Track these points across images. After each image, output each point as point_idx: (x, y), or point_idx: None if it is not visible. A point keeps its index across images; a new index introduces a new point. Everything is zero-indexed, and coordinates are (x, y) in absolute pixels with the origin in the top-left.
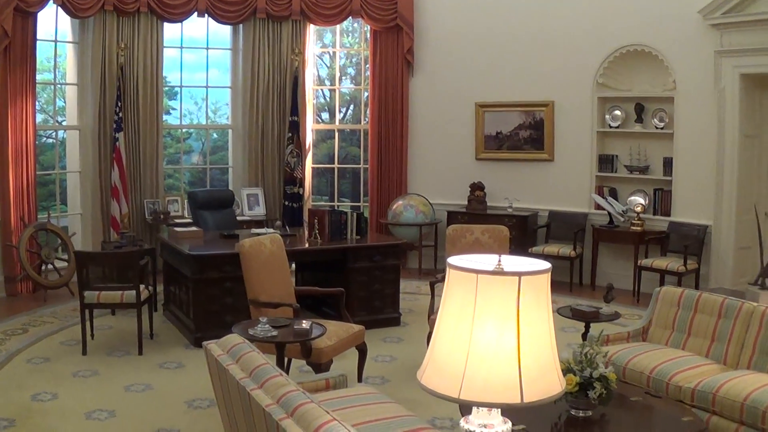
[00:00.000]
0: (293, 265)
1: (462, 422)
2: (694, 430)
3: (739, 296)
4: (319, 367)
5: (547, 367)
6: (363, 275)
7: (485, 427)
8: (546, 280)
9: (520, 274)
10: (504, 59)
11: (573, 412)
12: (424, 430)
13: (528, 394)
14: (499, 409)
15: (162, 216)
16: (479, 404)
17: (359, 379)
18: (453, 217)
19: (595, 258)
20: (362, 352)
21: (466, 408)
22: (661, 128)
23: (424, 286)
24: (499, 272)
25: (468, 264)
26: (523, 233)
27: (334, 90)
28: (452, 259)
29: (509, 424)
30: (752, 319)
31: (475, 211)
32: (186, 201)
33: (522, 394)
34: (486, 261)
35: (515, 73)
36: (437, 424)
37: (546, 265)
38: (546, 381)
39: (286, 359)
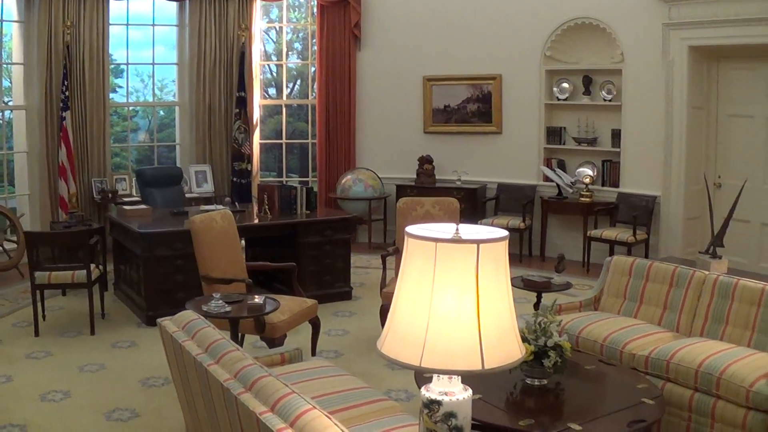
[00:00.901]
0: (243, 242)
1: (423, 390)
2: (649, 396)
3: (690, 265)
4: (273, 342)
5: (507, 334)
6: (314, 250)
7: (446, 395)
8: (504, 247)
9: (478, 242)
10: (452, 33)
11: (528, 381)
12: (381, 401)
13: (489, 361)
14: (460, 377)
15: (110, 195)
16: (441, 372)
17: (313, 353)
18: (402, 190)
19: (545, 229)
20: (315, 326)
21: (421, 379)
22: (609, 100)
23: (374, 260)
24: (457, 240)
25: (426, 233)
26: (472, 206)
27: (281, 65)
28: (410, 228)
29: (470, 391)
30: (704, 288)
31: (424, 184)
32: (134, 179)
33: (483, 361)
34: (444, 230)
35: (463, 47)
36: (392, 396)
37: (503, 232)
38: (506, 347)
39: (239, 335)
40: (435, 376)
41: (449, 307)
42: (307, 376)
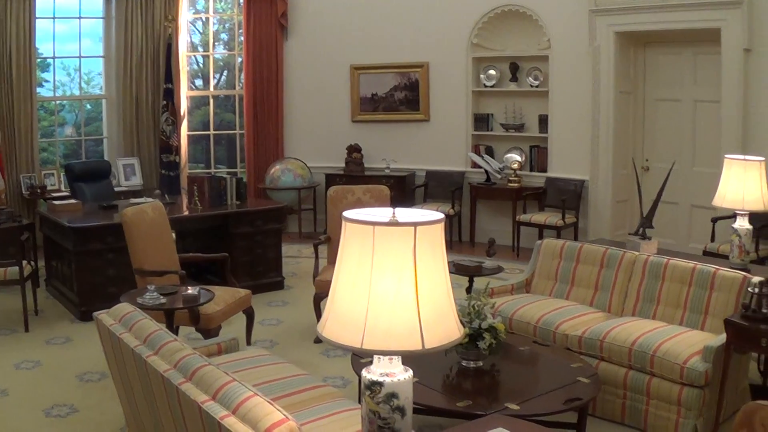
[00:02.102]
0: (174, 234)
1: (364, 372)
2: (584, 375)
3: (620, 246)
4: (208, 332)
5: (445, 314)
6: (245, 240)
7: (387, 376)
8: (440, 229)
9: (415, 224)
10: (378, 21)
11: (464, 363)
12: (320, 387)
13: (429, 341)
14: (400, 358)
15: (39, 190)
16: (382, 353)
17: (248, 343)
18: (331, 179)
19: (474, 215)
20: (249, 316)
21: (357, 364)
22: (536, 86)
23: (305, 249)
24: (394, 223)
25: (364, 217)
26: (401, 193)
27: (208, 56)
28: (348, 213)
29: (410, 372)
30: (635, 268)
31: (353, 173)
32: (62, 174)
33: (423, 341)
34: (380, 213)
35: (390, 35)
36: (329, 383)
37: (439, 215)
38: (445, 327)
39: (174, 327)
40: (376, 358)
41: (388, 289)
42: (245, 365)
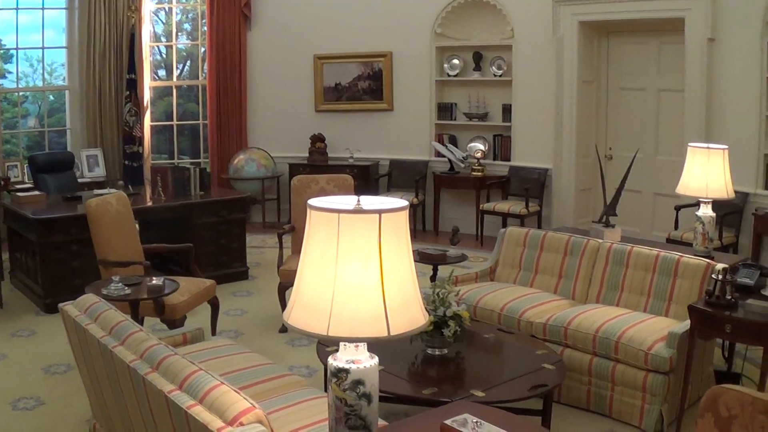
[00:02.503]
0: (138, 225)
1: (330, 359)
2: (549, 362)
3: (583, 234)
4: (173, 323)
5: (411, 300)
6: (209, 231)
7: (353, 363)
8: (404, 216)
9: (380, 212)
10: (342, 11)
11: (429, 350)
12: (286, 376)
13: (394, 327)
14: (366, 345)
15: (2, 182)
16: (348, 339)
17: (213, 333)
18: (295, 169)
19: (438, 204)
20: (214, 306)
21: (323, 353)
22: (500, 76)
23: (269, 239)
24: (359, 211)
25: (329, 204)
26: (365, 183)
27: (171, 46)
28: (313, 201)
29: (376, 359)
30: (598, 256)
31: (317, 162)
32: (26, 166)
33: (388, 327)
34: (345, 201)
35: (353, 25)
36: (295, 372)
37: (403, 202)
38: (410, 313)
39: (139, 318)
40: (342, 346)
41: (354, 277)
42: (211, 354)
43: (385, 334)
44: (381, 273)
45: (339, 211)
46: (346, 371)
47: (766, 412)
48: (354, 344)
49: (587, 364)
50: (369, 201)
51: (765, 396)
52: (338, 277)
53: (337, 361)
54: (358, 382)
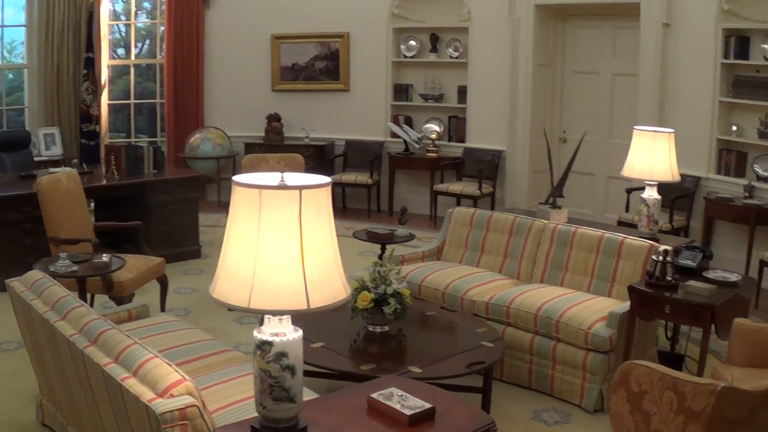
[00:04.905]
0: (93, 204)
1: (255, 332)
2: (489, 339)
3: (530, 215)
4: (122, 300)
5: (331, 275)
6: (162, 209)
7: (277, 336)
8: (326, 192)
9: (301, 188)
10: None
11: (370, 328)
12: (226, 352)
13: (314, 300)
14: (290, 318)
15: None
16: (268, 312)
17: (162, 311)
18: (250, 148)
19: (392, 185)
20: (163, 283)
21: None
22: (456, 58)
23: (223, 218)
24: (281, 187)
25: (252, 180)
26: (320, 162)
27: (130, 25)
28: (237, 177)
29: (300, 332)
30: (543, 236)
31: (273, 142)
32: None
33: (308, 300)
34: (270, 178)
35: (311, 5)
36: (242, 349)
37: (326, 179)
38: (330, 287)
39: (89, 295)
40: (266, 319)
41: (275, 251)
42: (153, 330)
43: (305, 306)
44: (301, 247)
45: (261, 187)
46: (270, 344)
47: (673, 388)
48: (278, 317)
49: (529, 343)
50: (292, 177)
51: (673, 372)
52: (260, 251)
53: (261, 333)
54: (282, 355)
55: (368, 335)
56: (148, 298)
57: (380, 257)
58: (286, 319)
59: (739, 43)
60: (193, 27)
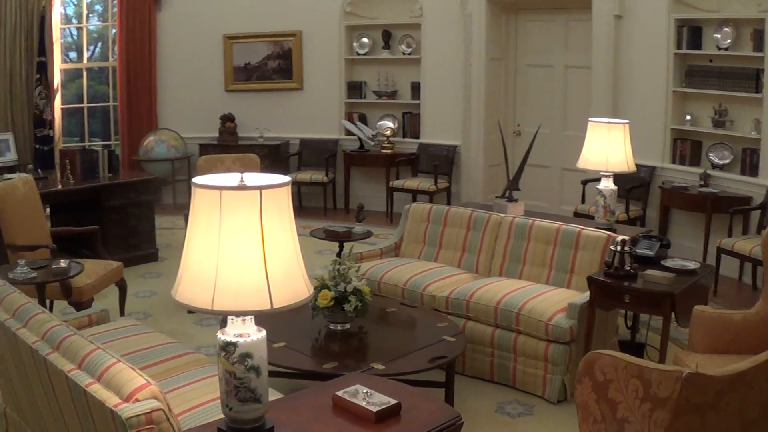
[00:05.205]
0: (48, 209)
1: (219, 334)
2: (450, 334)
3: (487, 209)
4: (81, 306)
5: (294, 274)
6: (118, 213)
7: (241, 337)
8: (286, 192)
9: (261, 188)
10: None
11: (332, 326)
12: (189, 354)
13: (277, 300)
14: (253, 319)
15: None
16: (232, 313)
17: (122, 315)
18: (205, 149)
19: (348, 182)
20: (122, 288)
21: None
22: (409, 54)
23: (179, 220)
24: (241, 187)
25: (212, 182)
26: (275, 162)
27: (82, 28)
28: (197, 179)
29: (264, 332)
30: (500, 230)
31: (227, 142)
32: None
33: (271, 300)
34: (230, 179)
35: (262, 4)
36: (203, 351)
37: (285, 179)
38: (293, 286)
39: (48, 301)
40: (229, 320)
41: (237, 252)
42: (114, 335)
43: (269, 307)
44: (263, 247)
45: (221, 188)
46: (234, 345)
47: (639, 375)
48: (241, 318)
49: (490, 336)
50: (252, 178)
51: (637, 361)
52: (221, 252)
53: (224, 335)
54: (246, 356)
55: (330, 333)
56: (106, 302)
57: (338, 255)
58: (249, 320)
59: (691, 33)
60: (145, 29)
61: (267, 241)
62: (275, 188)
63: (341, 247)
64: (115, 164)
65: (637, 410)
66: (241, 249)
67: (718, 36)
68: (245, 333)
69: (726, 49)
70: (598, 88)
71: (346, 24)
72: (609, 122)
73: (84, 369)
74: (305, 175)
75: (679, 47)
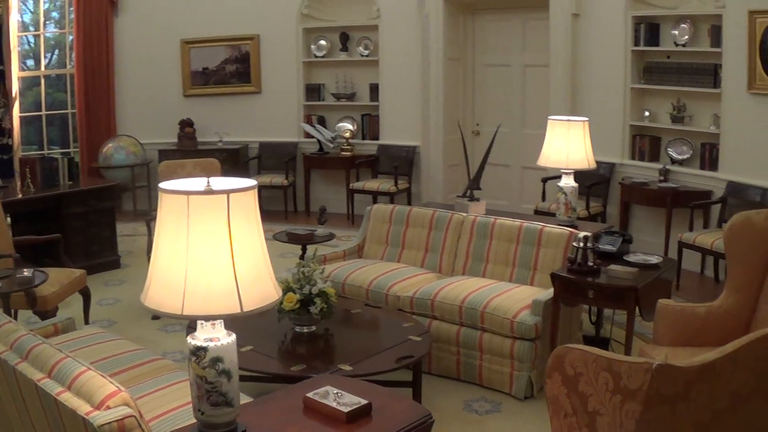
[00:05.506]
0: (9, 218)
1: (189, 339)
2: (416, 333)
3: (448, 209)
4: (45, 315)
5: (262, 277)
6: (79, 220)
7: (211, 341)
8: (253, 195)
9: (228, 192)
10: None
11: (297, 329)
12: (157, 360)
13: (247, 303)
14: (222, 323)
15: None
16: (202, 317)
17: (86, 323)
18: (164, 155)
19: (308, 185)
20: (86, 295)
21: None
22: (367, 56)
23: (140, 227)
24: (208, 192)
25: (179, 187)
26: (235, 166)
27: (39, 35)
28: (164, 184)
29: (233, 336)
30: (463, 229)
31: (186, 147)
32: None
33: (241, 303)
34: (196, 184)
35: (220, 8)
36: (168, 357)
37: (252, 182)
38: (262, 289)
39: (12, 311)
40: (199, 325)
41: (205, 256)
42: (81, 343)
43: (239, 310)
44: (231, 251)
45: (188, 193)
46: (205, 349)
47: (608, 368)
48: (211, 322)
49: (455, 335)
50: (218, 182)
51: (607, 354)
52: (190, 257)
53: (195, 339)
54: (217, 360)
55: (296, 336)
56: (70, 311)
57: (301, 258)
58: (219, 324)
59: (649, 30)
60: (102, 35)
61: (235, 245)
62: (242, 192)
63: (304, 250)
64: (75, 172)
65: (608, 402)
66: (210, 253)
67: (676, 32)
68: (215, 337)
69: (684, 46)
70: (557, 87)
71: (304, 27)
72: (569, 120)
73: (54, 378)
74: (265, 179)
75: (636, 44)
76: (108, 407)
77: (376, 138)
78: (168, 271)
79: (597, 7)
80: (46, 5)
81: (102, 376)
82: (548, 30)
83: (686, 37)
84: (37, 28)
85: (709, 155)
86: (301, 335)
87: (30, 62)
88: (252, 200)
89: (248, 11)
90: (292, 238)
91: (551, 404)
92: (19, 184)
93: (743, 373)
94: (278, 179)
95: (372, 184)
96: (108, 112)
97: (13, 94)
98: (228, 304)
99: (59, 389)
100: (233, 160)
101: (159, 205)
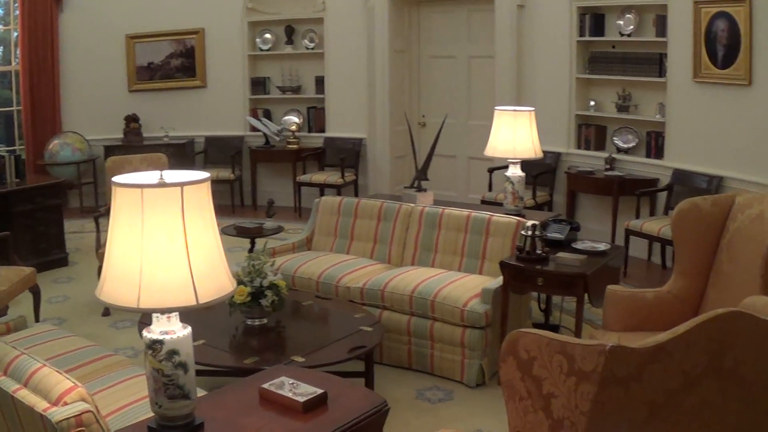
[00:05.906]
0: None
1: (144, 332)
2: (367, 324)
3: (395, 200)
4: None
5: (217, 269)
6: (26, 218)
7: (167, 334)
8: (206, 188)
9: (182, 185)
10: None
11: (249, 321)
12: (110, 356)
13: (202, 295)
14: (178, 316)
15: None
16: (158, 311)
17: (36, 321)
18: (110, 151)
19: (255, 179)
20: (36, 294)
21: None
22: (312, 49)
23: (87, 224)
24: (162, 185)
25: (132, 180)
26: (181, 161)
27: None
28: (117, 178)
29: (189, 329)
30: (411, 219)
31: (132, 143)
32: None
33: (197, 296)
34: (150, 177)
35: (164, 2)
36: (120, 353)
37: (205, 174)
38: (217, 281)
39: None
40: (154, 318)
41: (160, 249)
42: (35, 341)
43: (194, 302)
44: (186, 244)
45: (142, 186)
46: (161, 342)
47: (562, 351)
48: (166, 315)
49: (406, 325)
50: (172, 175)
51: (559, 337)
52: (145, 250)
53: (151, 333)
54: (173, 353)
55: (248, 329)
56: (21, 309)
57: (250, 251)
58: (174, 317)
59: (594, 20)
60: (47, 31)
61: (190, 237)
62: (196, 184)
63: (253, 244)
64: (21, 169)
65: (563, 385)
66: (165, 246)
67: (621, 23)
68: (171, 330)
69: (629, 35)
70: (502, 78)
71: (249, 20)
72: (515, 110)
73: (10, 375)
74: (212, 173)
75: (581, 35)
76: (65, 403)
77: (323, 131)
78: (123, 265)
79: None
80: None
81: (58, 372)
82: (493, 21)
83: (631, 27)
84: None
85: (654, 143)
86: (253, 328)
87: None
88: (206, 193)
89: (193, 5)
90: (241, 232)
91: (506, 388)
92: None
93: (696, 353)
94: (225, 173)
95: (319, 177)
96: (53, 109)
97: None
98: (183, 296)
99: (15, 386)
100: (180, 155)
101: (112, 199)
